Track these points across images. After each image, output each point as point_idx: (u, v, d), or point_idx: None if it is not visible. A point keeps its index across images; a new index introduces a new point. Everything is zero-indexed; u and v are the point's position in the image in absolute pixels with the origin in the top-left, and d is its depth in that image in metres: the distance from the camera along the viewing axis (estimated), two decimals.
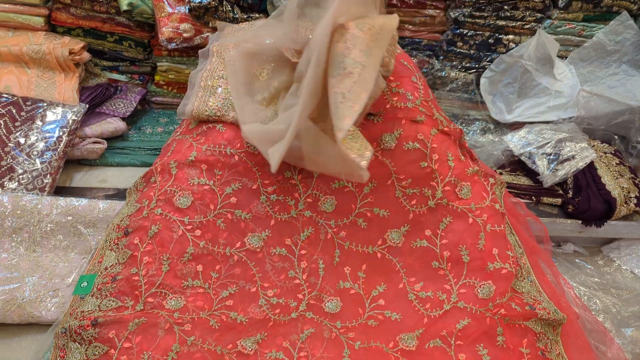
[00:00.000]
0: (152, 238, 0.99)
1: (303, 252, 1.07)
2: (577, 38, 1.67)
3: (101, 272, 0.99)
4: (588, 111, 1.59)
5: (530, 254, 1.19)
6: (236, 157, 1.06)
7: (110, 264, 0.99)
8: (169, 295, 0.97)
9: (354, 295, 1.06)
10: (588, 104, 1.58)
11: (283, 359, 0.95)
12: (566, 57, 1.69)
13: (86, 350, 0.87)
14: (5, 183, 1.22)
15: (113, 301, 0.93)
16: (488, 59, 1.69)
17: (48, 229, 1.17)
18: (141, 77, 1.67)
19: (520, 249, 1.16)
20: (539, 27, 1.63)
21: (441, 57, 1.71)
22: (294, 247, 1.07)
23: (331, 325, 1.01)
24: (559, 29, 1.65)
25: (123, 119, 1.51)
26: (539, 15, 1.63)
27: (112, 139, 1.49)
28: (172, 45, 1.47)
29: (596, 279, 1.48)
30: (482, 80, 1.69)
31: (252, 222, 1.06)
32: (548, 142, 1.50)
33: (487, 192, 1.11)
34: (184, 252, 1.00)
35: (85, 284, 0.99)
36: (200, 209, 1.03)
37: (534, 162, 1.48)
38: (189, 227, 1.02)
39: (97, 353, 0.87)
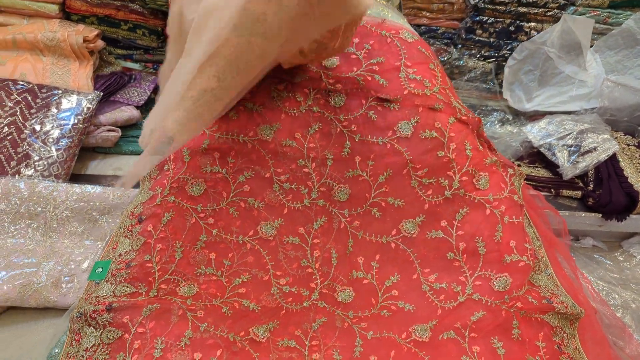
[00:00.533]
0: (165, 225, 0.99)
1: (316, 241, 1.06)
2: (602, 26, 1.62)
3: (115, 259, 0.99)
4: (612, 102, 1.54)
5: (549, 247, 1.16)
6: (249, 145, 1.05)
7: (124, 250, 1.00)
8: (182, 282, 0.97)
9: (367, 285, 1.05)
10: (612, 94, 1.53)
11: (295, 347, 0.94)
12: (591, 46, 1.63)
13: (101, 334, 0.88)
14: (22, 170, 1.24)
15: (127, 287, 0.94)
16: (508, 48, 1.64)
17: (64, 215, 1.18)
18: (155, 66, 1.67)
19: (538, 242, 1.14)
20: (563, 14, 1.59)
21: (459, 46, 1.67)
22: (306, 236, 1.06)
23: (344, 315, 1.00)
24: (583, 16, 1.60)
25: (137, 107, 1.52)
26: (562, 1, 1.58)
27: (127, 127, 1.49)
28: None
29: (615, 275, 1.45)
30: (506, 70, 1.64)
31: (265, 211, 1.05)
32: (569, 134, 1.46)
33: (506, 183, 1.08)
34: (197, 240, 1.00)
35: (100, 270, 1.00)
36: (213, 197, 1.03)
37: (554, 154, 1.45)
38: (202, 214, 1.01)
39: (111, 337, 0.87)
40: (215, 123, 1.07)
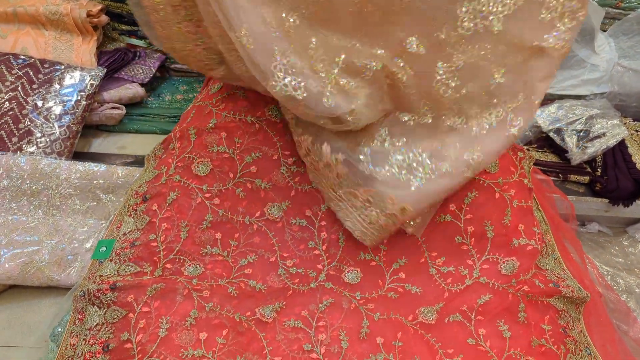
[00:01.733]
0: (170, 205, 0.98)
1: (323, 223, 1.05)
2: (615, 10, 1.58)
3: (119, 238, 0.98)
4: (622, 87, 1.52)
5: (556, 231, 1.16)
6: (257, 125, 1.03)
7: (129, 229, 0.99)
8: (187, 262, 0.96)
9: (375, 267, 1.04)
10: (622, 79, 1.51)
11: (301, 328, 0.94)
12: (604, 31, 1.60)
13: (105, 313, 0.87)
14: (24, 146, 1.22)
15: (132, 266, 0.93)
16: None
17: (67, 193, 1.16)
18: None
19: (546, 226, 1.13)
20: None
21: None
22: (314, 218, 1.05)
23: (350, 296, 1.00)
24: (595, 0, 1.57)
25: (142, 85, 1.49)
26: None
27: (131, 105, 1.47)
28: None
29: (620, 259, 1.45)
30: None
31: (272, 192, 1.04)
32: (578, 119, 1.44)
33: (516, 166, 1.07)
34: (202, 220, 0.99)
35: (103, 248, 0.99)
36: (219, 177, 1.02)
37: (562, 139, 1.44)
38: (207, 194, 1.00)
39: (115, 317, 0.87)
40: (223, 102, 1.05)
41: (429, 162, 0.88)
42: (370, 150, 0.91)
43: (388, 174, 0.90)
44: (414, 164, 0.89)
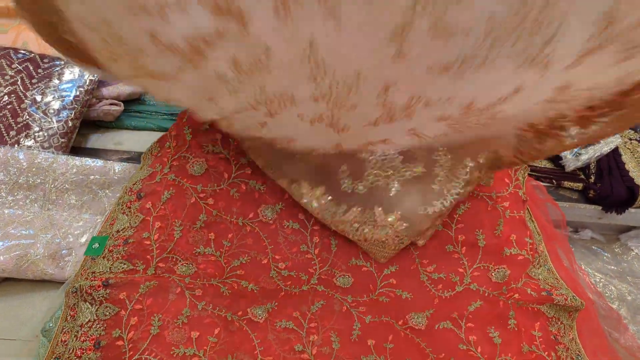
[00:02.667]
0: (164, 203, 0.98)
1: (316, 227, 1.06)
2: None
3: (113, 235, 0.99)
4: None
5: (548, 240, 1.16)
6: None
7: (122, 227, 0.99)
8: (180, 261, 0.96)
9: (366, 273, 1.05)
10: None
11: (293, 329, 0.95)
12: None
13: (97, 310, 0.87)
14: (21, 140, 1.22)
15: (124, 264, 0.93)
16: None
17: (63, 188, 1.16)
18: None
19: (539, 236, 1.14)
20: None
21: None
22: (306, 222, 1.06)
23: (342, 299, 1.01)
24: None
25: None
26: None
27: (129, 102, 1.47)
28: None
29: (612, 267, 1.46)
30: None
31: (266, 194, 1.04)
32: None
33: (510, 177, 1.08)
34: (196, 219, 0.99)
35: (96, 245, 0.99)
36: (214, 177, 1.02)
37: None
38: (202, 194, 1.01)
39: (107, 313, 0.87)
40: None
41: (402, 166, 0.91)
42: (347, 167, 0.93)
43: (369, 185, 0.93)
44: (389, 171, 0.92)
